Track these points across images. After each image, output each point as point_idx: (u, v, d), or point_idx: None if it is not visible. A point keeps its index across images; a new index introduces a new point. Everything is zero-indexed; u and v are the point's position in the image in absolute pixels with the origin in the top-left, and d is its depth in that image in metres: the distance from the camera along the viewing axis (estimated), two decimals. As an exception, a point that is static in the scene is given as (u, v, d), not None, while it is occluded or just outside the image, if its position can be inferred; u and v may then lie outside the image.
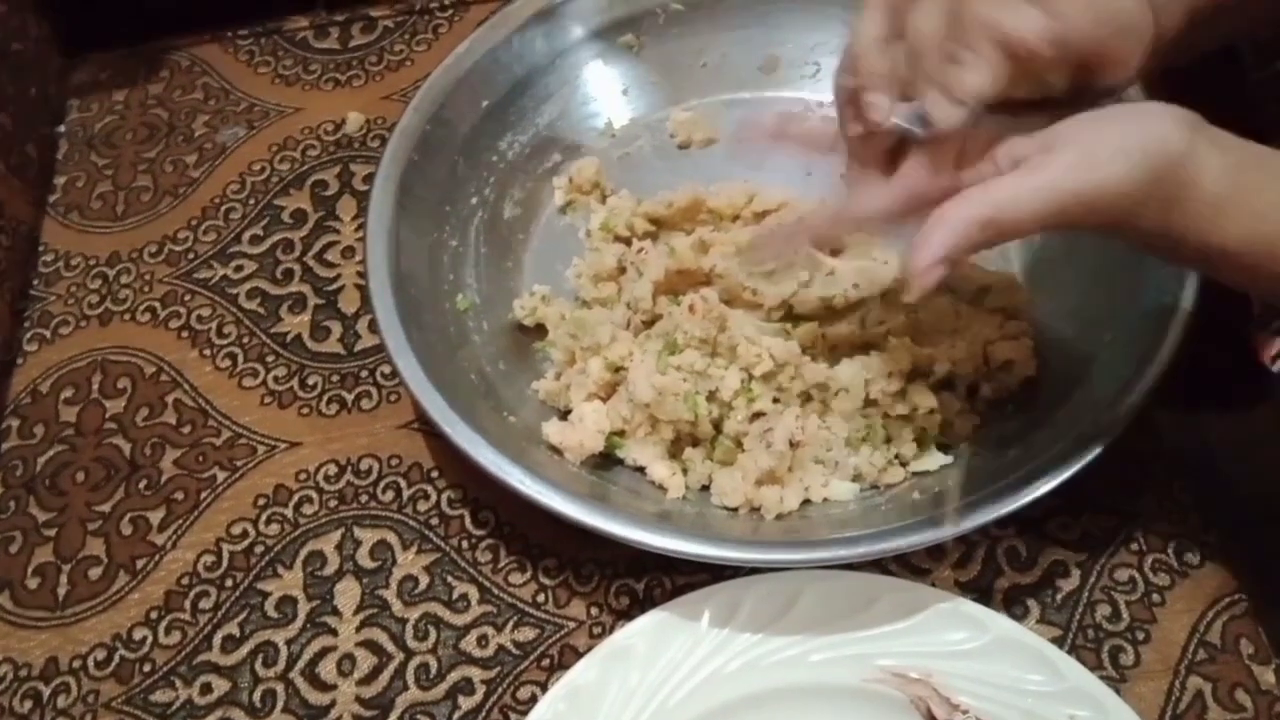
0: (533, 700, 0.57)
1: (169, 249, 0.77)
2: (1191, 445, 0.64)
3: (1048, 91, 0.48)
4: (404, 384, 0.60)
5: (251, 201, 0.78)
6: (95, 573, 0.64)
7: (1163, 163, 0.44)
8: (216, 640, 0.61)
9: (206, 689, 0.60)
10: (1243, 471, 0.67)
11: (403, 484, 0.65)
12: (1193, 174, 0.44)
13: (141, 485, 0.67)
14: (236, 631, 0.61)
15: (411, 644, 0.60)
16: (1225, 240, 0.46)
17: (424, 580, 0.62)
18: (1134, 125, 0.45)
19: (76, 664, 0.61)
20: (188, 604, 0.62)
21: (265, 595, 0.62)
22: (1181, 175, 0.44)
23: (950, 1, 0.47)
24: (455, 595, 0.61)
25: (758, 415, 0.61)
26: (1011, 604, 0.59)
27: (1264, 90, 0.62)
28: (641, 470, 0.62)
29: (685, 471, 0.62)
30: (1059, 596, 0.59)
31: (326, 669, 0.60)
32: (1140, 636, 0.57)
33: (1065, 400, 0.60)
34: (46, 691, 0.60)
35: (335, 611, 0.61)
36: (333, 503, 0.65)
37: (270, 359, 0.71)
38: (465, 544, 0.63)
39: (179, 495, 0.66)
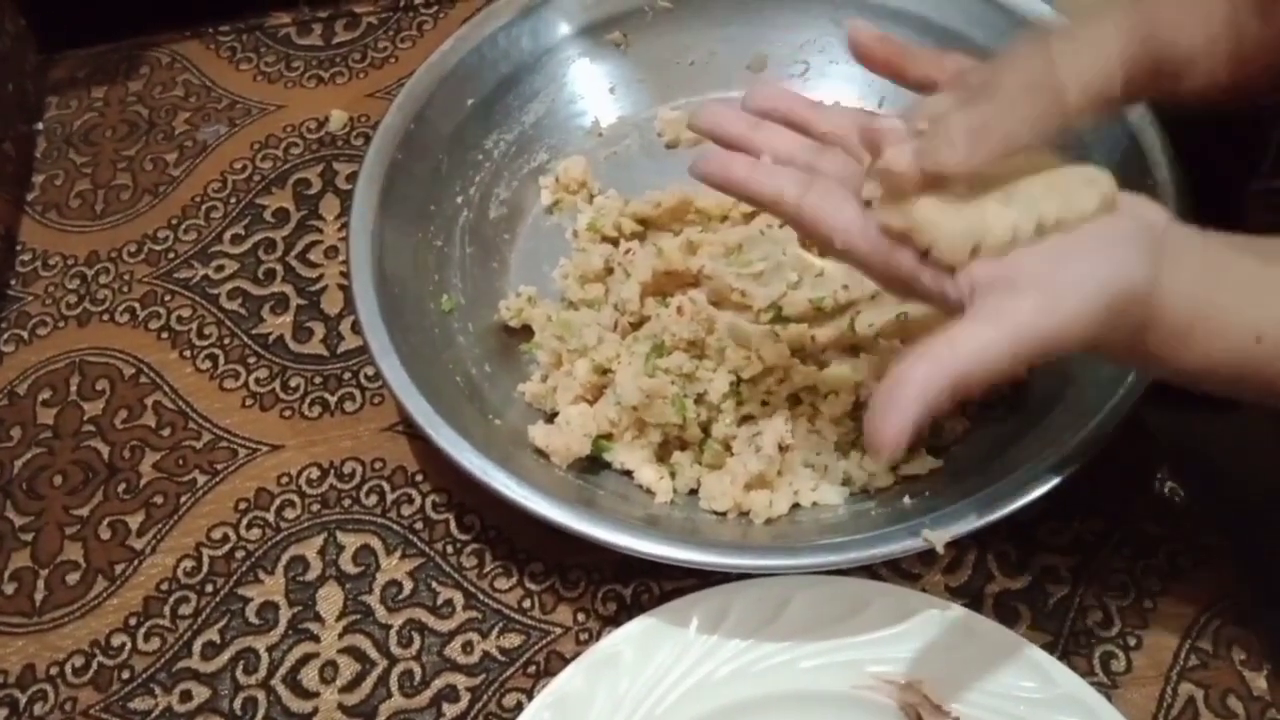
0: (519, 708, 0.56)
1: (149, 248, 0.76)
2: (1183, 446, 0.63)
3: None
4: (387, 386, 0.59)
5: (233, 200, 0.77)
6: (73, 578, 0.63)
7: (1127, 300, 0.43)
8: (196, 647, 0.60)
9: (186, 696, 0.59)
10: (1235, 473, 0.67)
11: (386, 488, 0.65)
12: (1157, 304, 0.44)
13: (120, 489, 0.66)
14: (217, 638, 0.60)
15: (395, 650, 0.59)
16: (1190, 363, 0.46)
17: (408, 586, 0.61)
18: (1099, 259, 0.44)
19: (54, 671, 0.60)
20: (167, 610, 0.61)
21: (246, 601, 0.61)
22: (1145, 308, 0.44)
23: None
24: (440, 601, 0.61)
25: (746, 418, 0.61)
26: (1002, 609, 0.58)
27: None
28: (629, 474, 0.62)
29: (673, 475, 0.61)
30: (1050, 602, 0.58)
31: (309, 676, 0.59)
32: (1132, 642, 0.57)
33: (1056, 403, 0.59)
34: (23, 699, 0.59)
35: (317, 617, 0.61)
36: (315, 507, 0.64)
37: (252, 360, 0.70)
38: (450, 549, 0.62)
39: (158, 499, 0.65)
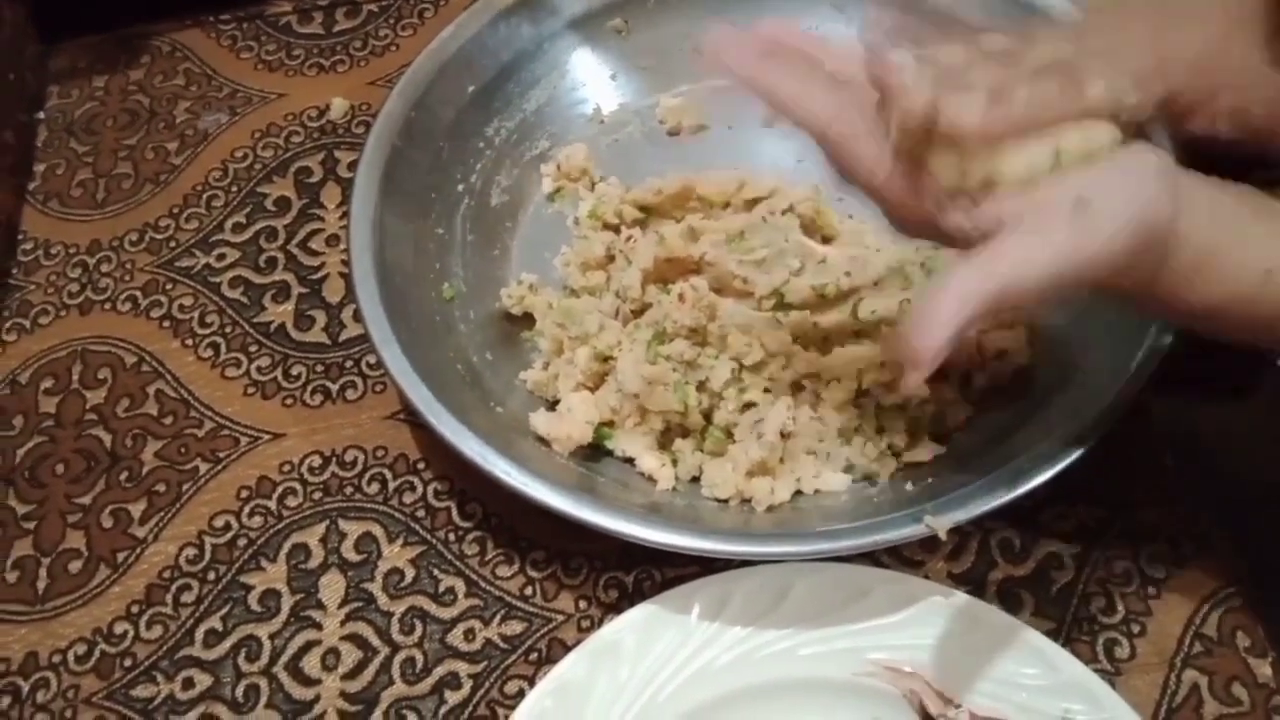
0: (520, 694, 0.56)
1: (150, 237, 0.76)
2: (1187, 434, 0.63)
3: None
4: (389, 374, 0.59)
5: (234, 189, 0.77)
6: (75, 566, 0.63)
7: (1153, 229, 0.43)
8: (199, 634, 0.60)
9: (188, 684, 0.59)
10: (1238, 461, 0.67)
11: (388, 475, 0.64)
12: (1175, 239, 0.44)
13: (122, 477, 0.66)
14: (219, 625, 0.60)
15: (397, 638, 0.59)
16: (1203, 299, 0.46)
17: (410, 573, 0.61)
18: (1131, 191, 0.43)
19: (56, 659, 0.60)
20: (169, 598, 0.61)
21: (248, 589, 0.61)
22: (1168, 240, 0.43)
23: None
24: (442, 588, 0.60)
25: (748, 405, 0.61)
26: (1005, 596, 0.58)
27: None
28: (630, 461, 0.61)
29: (675, 463, 0.61)
30: (1053, 589, 0.58)
31: (310, 663, 0.59)
32: (1135, 629, 0.57)
33: (1060, 390, 0.59)
34: (25, 687, 0.59)
35: (319, 605, 0.61)
36: (317, 495, 0.64)
37: (253, 349, 0.70)
38: (452, 536, 0.62)
39: (160, 487, 0.65)
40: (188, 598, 0.61)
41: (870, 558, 0.58)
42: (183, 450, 0.66)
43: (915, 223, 0.47)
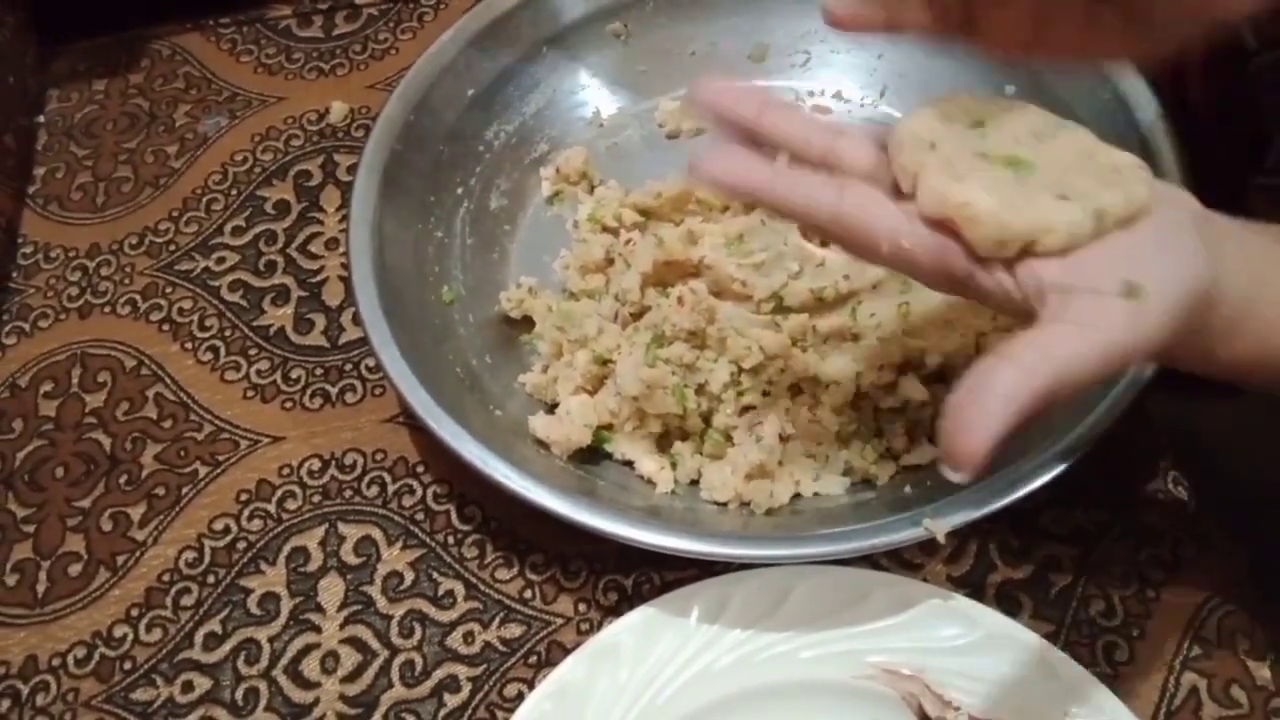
0: (520, 698, 0.56)
1: (150, 240, 0.76)
2: (1187, 436, 0.63)
3: None
4: (388, 377, 0.59)
5: (234, 192, 0.77)
6: (75, 569, 0.63)
7: (1196, 300, 0.42)
8: (198, 638, 0.60)
9: (188, 687, 0.59)
10: (1240, 462, 0.67)
11: (387, 479, 0.64)
12: (1214, 300, 0.42)
13: (122, 480, 0.66)
14: (218, 629, 0.60)
15: (396, 641, 0.59)
16: (1237, 356, 0.45)
17: (409, 576, 0.61)
18: (1172, 259, 0.42)
19: (56, 662, 0.60)
20: (169, 601, 0.61)
21: (248, 592, 0.61)
22: (1206, 304, 0.42)
23: None
24: (441, 591, 0.60)
25: (747, 408, 0.61)
26: (1004, 599, 0.58)
27: (1266, 76, 0.61)
28: (629, 464, 0.62)
29: (674, 466, 0.61)
30: (1052, 592, 0.58)
31: (310, 667, 0.59)
32: (1135, 632, 0.57)
33: (1059, 392, 0.59)
34: (25, 690, 0.59)
35: (319, 608, 0.61)
36: (316, 498, 0.64)
37: (253, 352, 0.70)
38: (451, 539, 0.62)
39: (160, 490, 0.65)
40: (187, 601, 0.61)
41: (869, 561, 0.58)
42: (182, 453, 0.66)
43: (947, 283, 0.45)
